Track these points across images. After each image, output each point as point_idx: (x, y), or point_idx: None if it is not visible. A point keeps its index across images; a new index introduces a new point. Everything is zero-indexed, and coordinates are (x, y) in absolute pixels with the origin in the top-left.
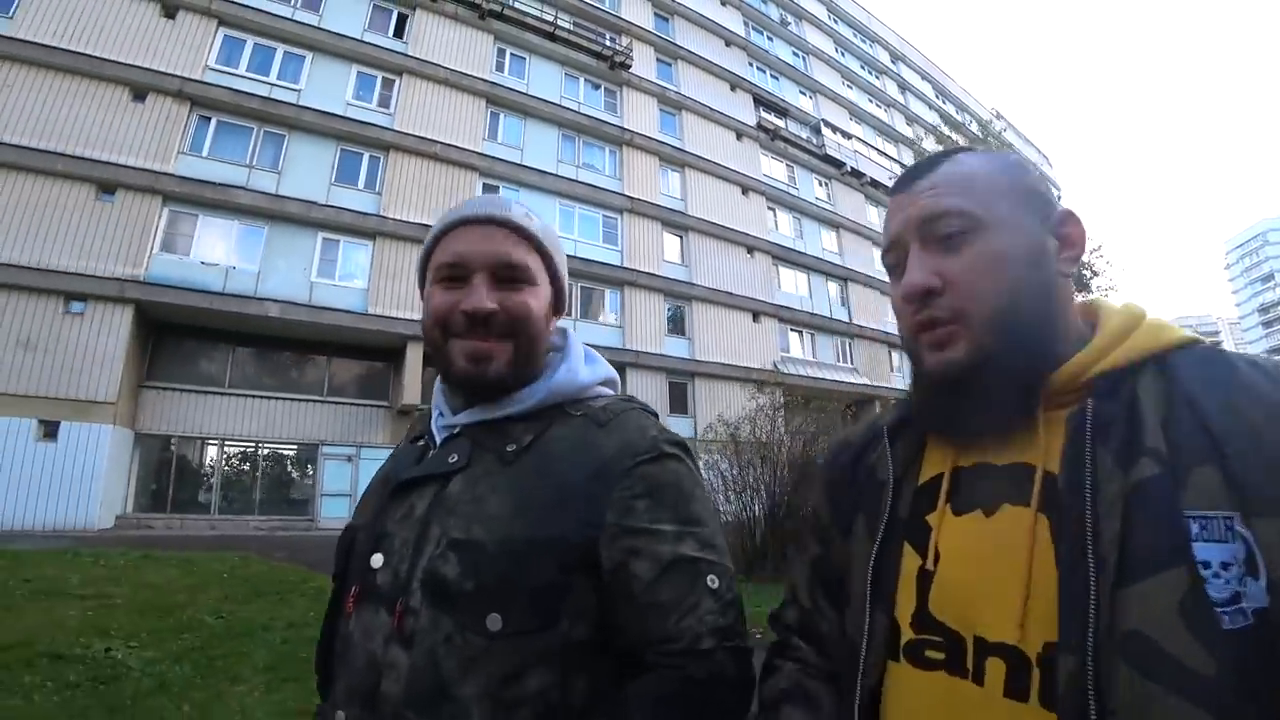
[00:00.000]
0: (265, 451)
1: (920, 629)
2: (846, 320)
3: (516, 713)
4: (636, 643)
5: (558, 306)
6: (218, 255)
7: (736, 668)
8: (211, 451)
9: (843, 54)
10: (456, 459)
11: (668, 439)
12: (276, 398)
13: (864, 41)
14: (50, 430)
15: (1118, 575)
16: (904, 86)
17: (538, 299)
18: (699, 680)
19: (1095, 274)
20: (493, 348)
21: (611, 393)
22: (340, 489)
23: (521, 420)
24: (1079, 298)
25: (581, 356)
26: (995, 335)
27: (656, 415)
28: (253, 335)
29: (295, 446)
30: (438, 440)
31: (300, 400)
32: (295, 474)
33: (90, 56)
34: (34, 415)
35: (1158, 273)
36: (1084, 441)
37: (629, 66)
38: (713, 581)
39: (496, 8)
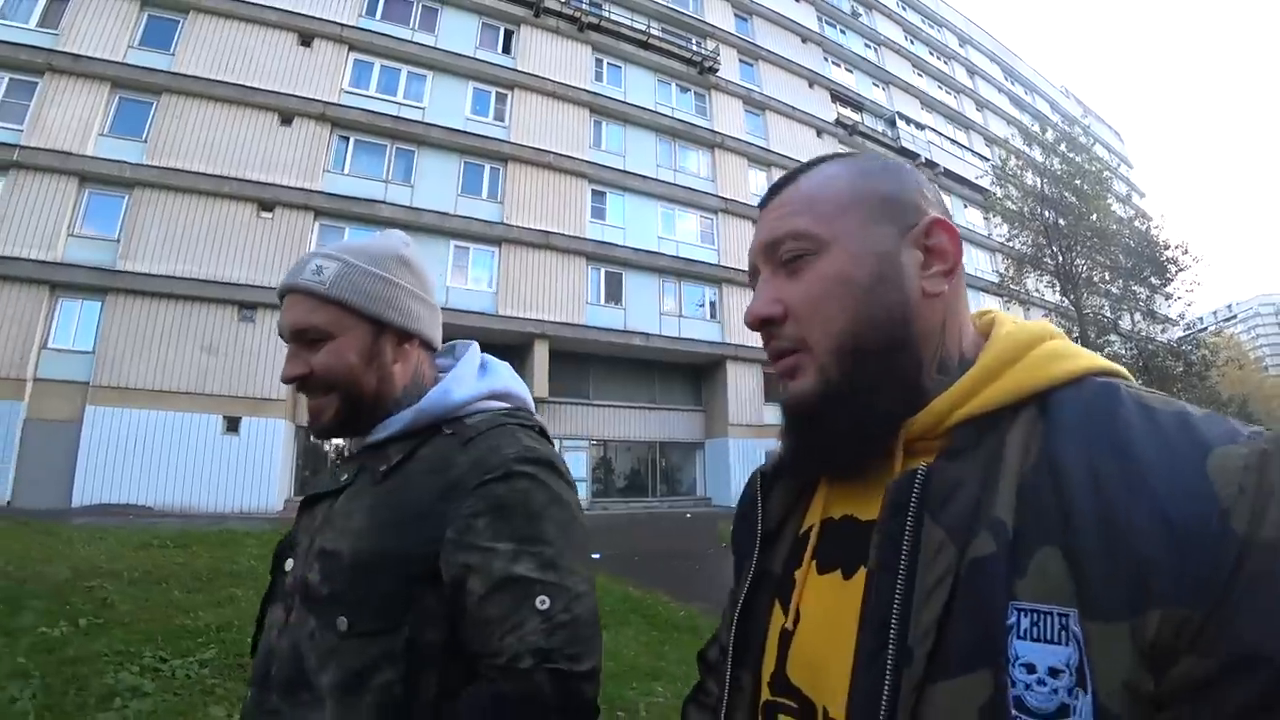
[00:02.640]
0: None
1: (776, 691)
2: None
3: (362, 703)
4: (472, 654)
5: (404, 335)
6: None
7: (556, 691)
8: None
9: (912, 41)
10: (346, 478)
11: (524, 456)
12: None
13: (932, 27)
14: (233, 425)
15: (927, 670)
16: (973, 71)
17: (339, 350)
18: (510, 698)
19: (1181, 269)
20: (320, 404)
21: (498, 405)
22: None
23: (398, 440)
24: (1023, 311)
25: (466, 376)
26: (840, 365)
27: (538, 428)
28: None
29: None
30: (345, 457)
31: None
32: None
33: (243, 86)
34: (219, 412)
35: (1254, 247)
36: (904, 512)
37: (716, 70)
38: (542, 602)
39: (594, 20)
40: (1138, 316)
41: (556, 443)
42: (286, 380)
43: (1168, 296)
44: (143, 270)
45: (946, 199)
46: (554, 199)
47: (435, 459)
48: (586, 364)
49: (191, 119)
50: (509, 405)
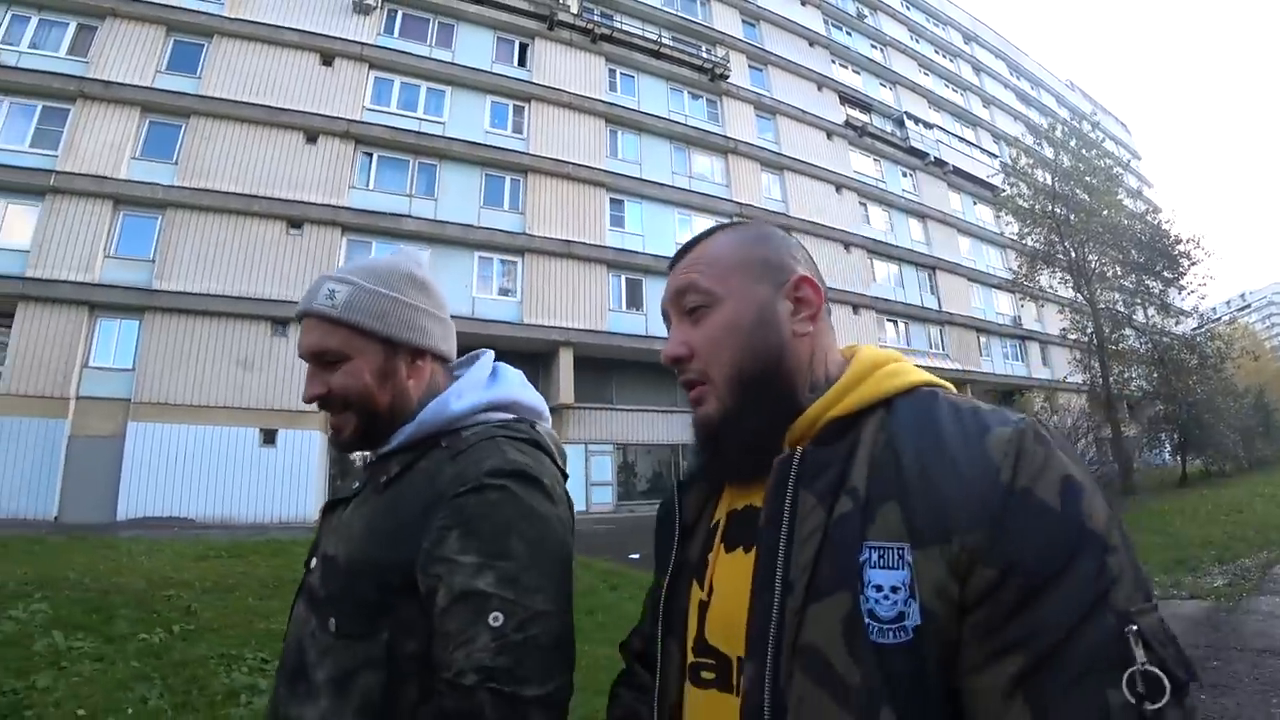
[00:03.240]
0: None
1: (698, 653)
2: (936, 308)
3: (348, 703)
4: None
5: (417, 352)
6: None
7: (496, 712)
8: None
9: (917, 40)
10: (356, 486)
11: (498, 469)
12: None
13: (937, 25)
14: (269, 437)
15: (805, 597)
16: (978, 68)
17: (354, 370)
18: (449, 714)
19: (1194, 263)
20: (340, 421)
21: (499, 416)
22: None
23: (400, 453)
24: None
25: (469, 385)
26: (733, 393)
27: (531, 440)
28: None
29: None
30: (364, 468)
31: None
32: None
33: (268, 107)
34: (256, 425)
35: (1268, 235)
36: (785, 484)
37: (727, 76)
38: (495, 619)
39: (606, 31)
40: (1152, 311)
41: (582, 448)
42: (307, 400)
43: (1181, 290)
44: (178, 289)
45: (956, 196)
46: (574, 208)
47: (428, 472)
48: (609, 370)
49: (220, 140)
50: (511, 416)
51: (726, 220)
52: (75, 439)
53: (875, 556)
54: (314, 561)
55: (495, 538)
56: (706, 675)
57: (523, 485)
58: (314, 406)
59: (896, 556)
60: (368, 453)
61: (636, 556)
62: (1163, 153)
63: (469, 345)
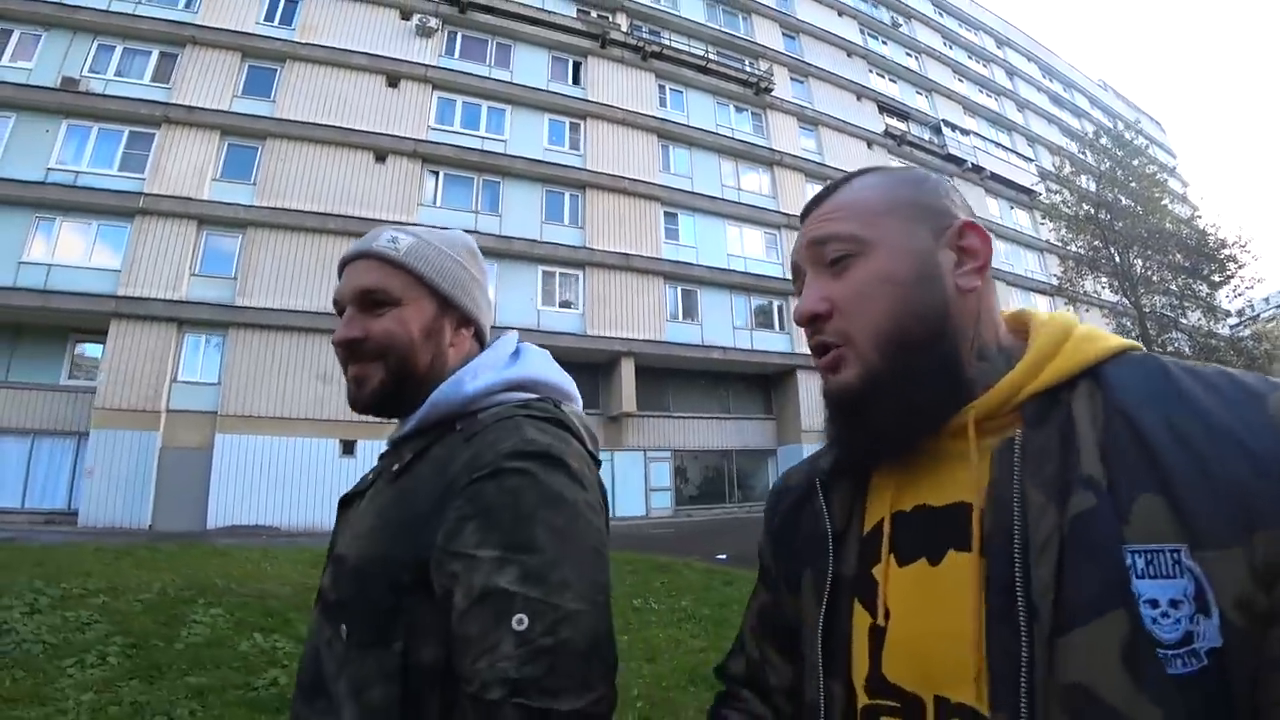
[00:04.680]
0: None
1: (874, 693)
2: None
3: (372, 717)
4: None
5: (463, 320)
6: None
7: None
8: None
9: (951, 47)
10: (369, 479)
11: (519, 450)
12: None
13: (969, 31)
14: (349, 448)
15: (1055, 622)
16: (1011, 72)
17: (401, 317)
18: None
19: (1241, 265)
20: (365, 370)
21: (519, 396)
22: None
23: (413, 438)
24: (1054, 304)
25: (487, 364)
26: (882, 357)
27: (554, 419)
28: None
29: None
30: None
31: None
32: None
33: (339, 128)
34: (336, 436)
35: None
36: (1010, 477)
37: (771, 89)
38: (520, 622)
39: (656, 48)
40: (1198, 315)
41: (641, 454)
42: (339, 342)
43: (1230, 292)
44: (259, 305)
45: (993, 202)
46: (631, 222)
47: (443, 458)
48: (665, 378)
49: (294, 161)
50: (533, 396)
51: (774, 230)
52: (166, 450)
53: (1141, 563)
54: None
55: (517, 528)
56: None
57: (546, 468)
58: (393, 419)
59: (1170, 562)
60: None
61: (724, 557)
62: (1198, 148)
63: None
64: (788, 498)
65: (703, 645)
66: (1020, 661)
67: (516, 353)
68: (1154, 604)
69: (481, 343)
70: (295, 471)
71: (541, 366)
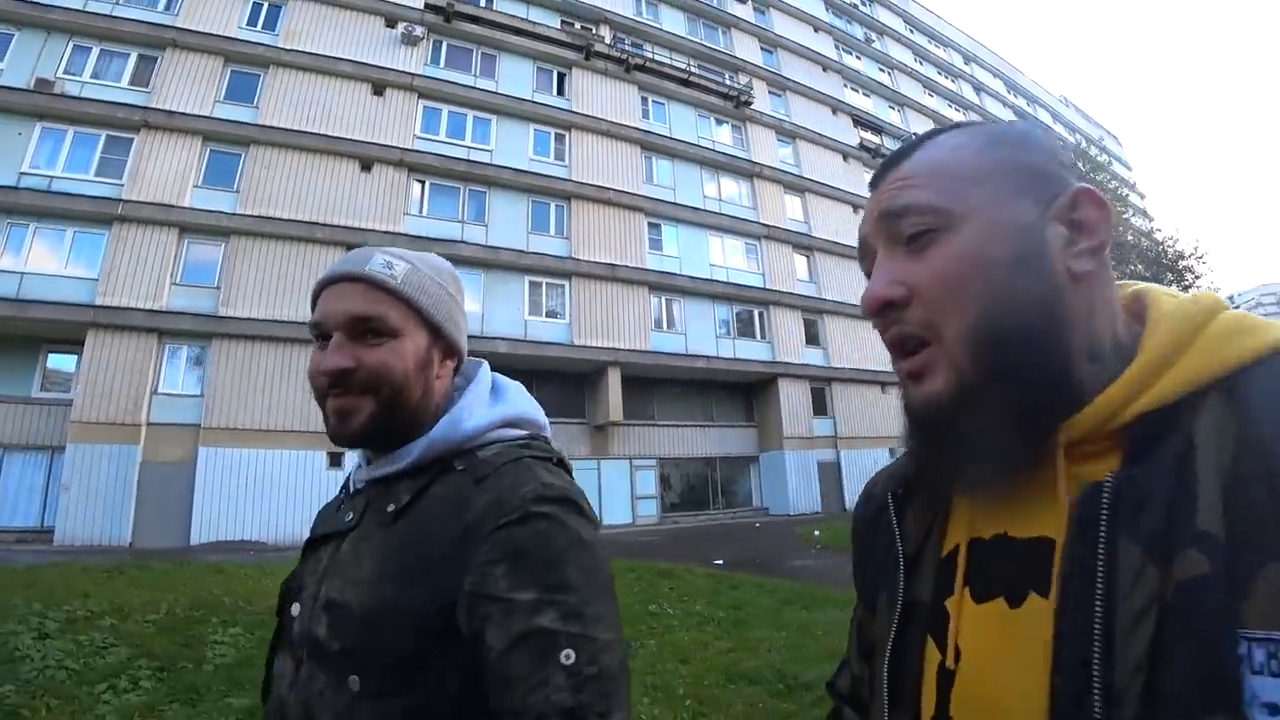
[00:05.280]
0: None
1: None
2: None
3: None
4: (495, 712)
5: (449, 351)
6: None
7: None
8: None
9: (921, 63)
10: (350, 518)
11: (541, 495)
12: None
13: (938, 47)
14: (336, 460)
15: (1142, 714)
16: (979, 88)
17: (399, 350)
18: None
19: (1198, 276)
20: (353, 403)
21: (513, 434)
22: None
23: (406, 477)
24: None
25: (477, 400)
26: (976, 361)
27: (556, 459)
28: None
29: None
30: (350, 492)
31: None
32: None
33: (324, 135)
34: (322, 449)
35: (1252, 237)
36: (1097, 529)
37: (751, 103)
38: (567, 657)
39: (640, 61)
40: None
41: (627, 463)
42: (329, 372)
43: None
44: (243, 315)
45: None
46: (616, 232)
47: (449, 500)
48: (650, 387)
49: (279, 168)
50: (524, 433)
51: (754, 241)
52: (147, 465)
53: (1261, 655)
54: (297, 608)
55: (550, 570)
56: None
57: (568, 510)
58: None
59: None
60: (352, 466)
61: (720, 562)
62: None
63: (525, 366)
64: (871, 506)
65: (729, 646)
66: None
67: (495, 386)
68: (1273, 709)
69: (458, 371)
70: (281, 485)
71: (524, 403)
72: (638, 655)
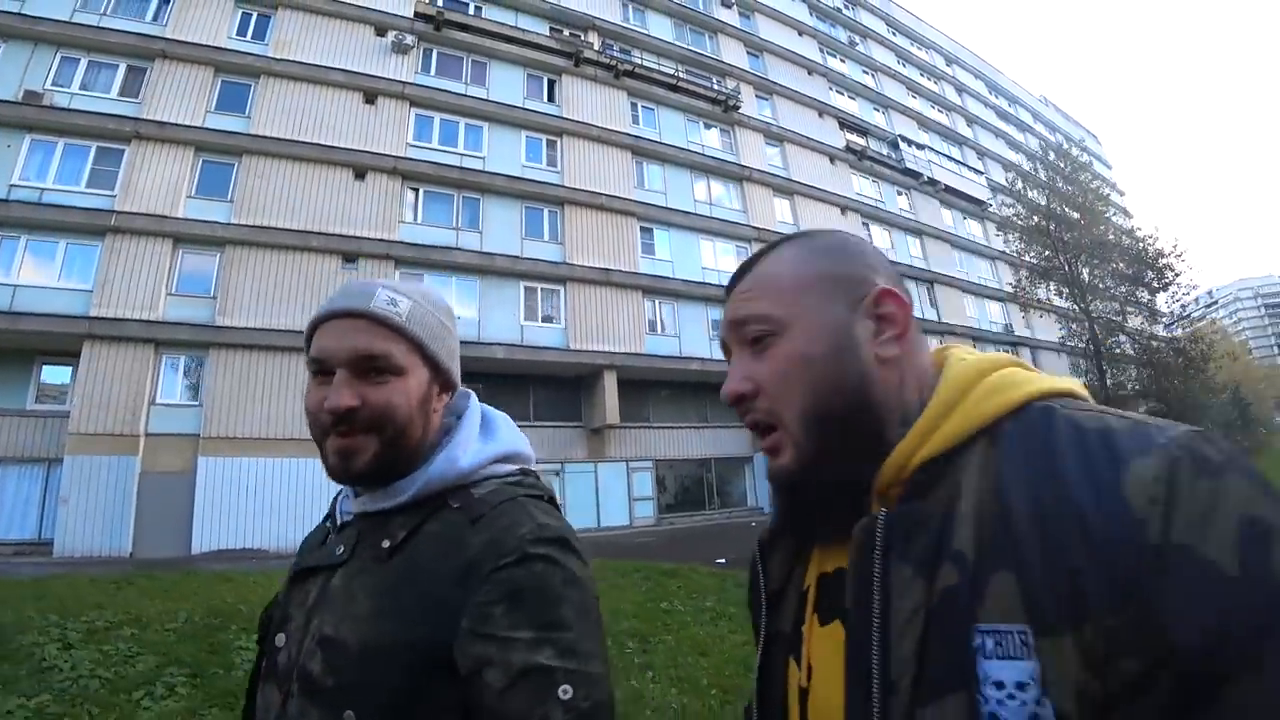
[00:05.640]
0: None
1: None
2: (936, 319)
3: None
4: None
5: (445, 385)
6: None
7: None
8: None
9: (904, 65)
10: (341, 551)
11: (538, 536)
12: None
13: (920, 49)
14: None
15: (912, 698)
16: (961, 89)
17: (404, 388)
18: None
19: (1177, 274)
20: (357, 444)
21: (505, 470)
22: None
23: (401, 513)
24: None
25: (471, 437)
26: (809, 437)
27: (547, 497)
28: (466, 372)
29: None
30: (338, 523)
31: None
32: None
33: (317, 144)
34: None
35: (1229, 232)
36: (871, 554)
37: (739, 107)
38: (565, 692)
39: (627, 67)
40: (1140, 319)
41: (623, 465)
42: (334, 411)
43: (1169, 298)
44: (240, 324)
45: (948, 213)
46: (609, 237)
47: (445, 538)
48: (645, 390)
49: (272, 178)
50: (515, 469)
51: (745, 244)
52: (146, 475)
53: (990, 644)
54: (282, 638)
55: (547, 609)
56: None
57: (563, 551)
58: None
59: (1018, 643)
60: (349, 512)
61: (724, 561)
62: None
63: (522, 371)
64: (758, 548)
65: (744, 639)
66: None
67: (484, 420)
68: (1000, 685)
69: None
70: (282, 493)
71: (513, 437)
72: (657, 650)
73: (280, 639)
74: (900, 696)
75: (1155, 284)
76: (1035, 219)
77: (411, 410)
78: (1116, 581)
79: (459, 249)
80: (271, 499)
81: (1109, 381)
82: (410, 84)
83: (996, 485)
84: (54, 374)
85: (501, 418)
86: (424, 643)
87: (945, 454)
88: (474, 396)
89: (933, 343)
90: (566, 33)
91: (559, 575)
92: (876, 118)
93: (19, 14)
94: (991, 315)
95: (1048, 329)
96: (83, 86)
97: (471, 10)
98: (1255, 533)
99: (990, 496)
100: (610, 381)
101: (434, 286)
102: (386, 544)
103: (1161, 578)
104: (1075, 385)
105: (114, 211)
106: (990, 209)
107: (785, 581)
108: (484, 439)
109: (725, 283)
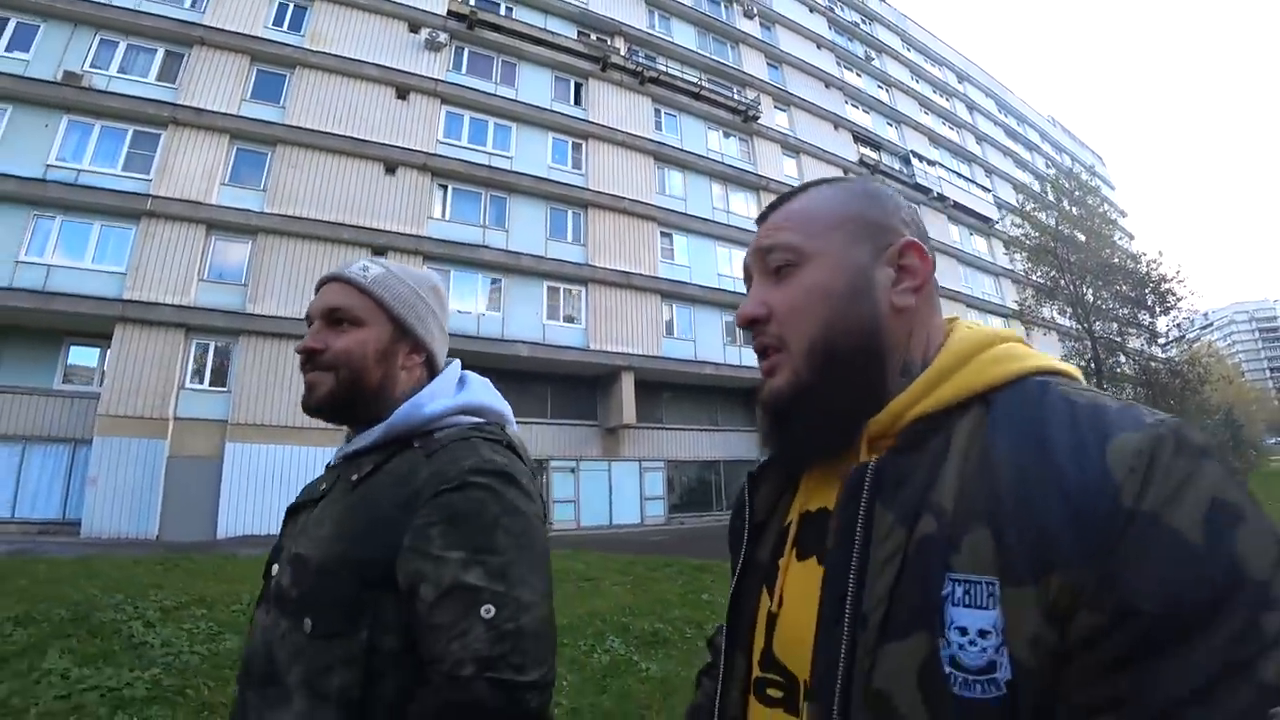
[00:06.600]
0: None
1: (765, 668)
2: None
3: (326, 703)
4: (423, 659)
5: (416, 346)
6: (469, 305)
7: (497, 700)
8: None
9: (917, 80)
10: (324, 487)
11: (479, 468)
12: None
13: (933, 65)
14: None
15: (879, 634)
16: (971, 106)
17: (361, 338)
18: (454, 704)
19: (1180, 298)
20: (318, 378)
21: (470, 420)
22: (567, 496)
23: (372, 452)
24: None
25: (441, 390)
26: (811, 366)
27: (505, 443)
28: (489, 369)
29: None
30: (330, 467)
31: (531, 423)
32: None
33: (350, 137)
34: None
35: (1225, 256)
36: (858, 498)
37: (759, 117)
38: (487, 611)
39: (652, 74)
40: (1140, 341)
41: (636, 465)
42: (301, 350)
43: (1169, 322)
44: (270, 313)
45: (955, 229)
46: (630, 241)
47: (401, 471)
48: (659, 392)
49: (305, 168)
50: (481, 420)
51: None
52: (174, 459)
53: (960, 592)
54: (276, 567)
55: (481, 533)
56: (773, 693)
57: (503, 482)
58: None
59: (985, 594)
60: (337, 456)
61: None
62: (1129, 177)
63: (543, 370)
64: (741, 491)
65: None
66: (838, 663)
67: (462, 380)
68: (963, 631)
69: (432, 369)
70: (306, 480)
71: (486, 394)
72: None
73: (275, 568)
74: (869, 632)
75: (1157, 308)
76: (1043, 238)
77: (366, 356)
78: (1087, 540)
79: (486, 246)
80: (296, 486)
81: None
82: (442, 81)
83: (985, 445)
84: (81, 355)
85: (480, 380)
86: (370, 560)
87: (940, 412)
88: (457, 362)
89: None
90: (594, 37)
91: (497, 504)
92: (889, 132)
93: None
94: None
95: (1050, 347)
96: (121, 69)
97: (503, 10)
98: (1223, 513)
99: (977, 456)
100: (628, 382)
101: (430, 270)
102: (355, 477)
103: (1129, 540)
104: (1073, 370)
105: (149, 195)
106: (997, 226)
107: (769, 515)
108: (456, 393)
109: (739, 289)
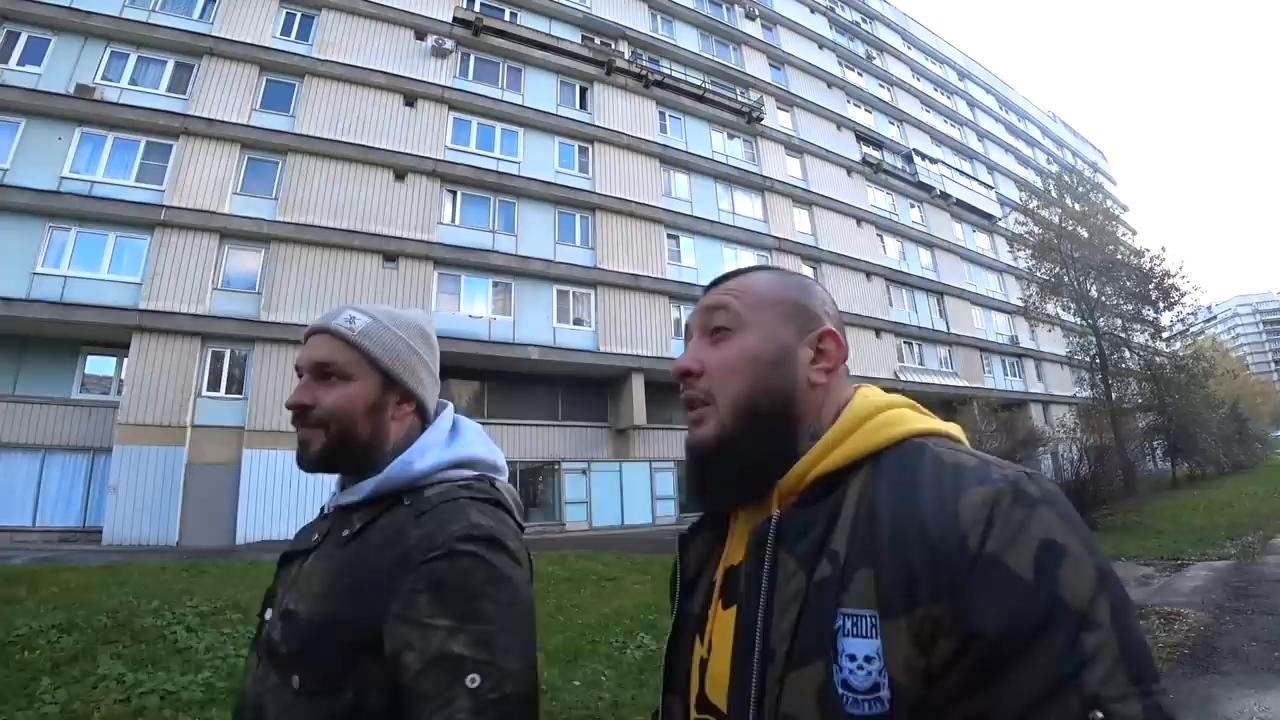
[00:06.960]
0: (521, 469)
1: (700, 710)
2: (945, 330)
3: None
4: None
5: (406, 396)
6: (479, 309)
7: None
8: None
9: (919, 79)
10: (316, 538)
11: (467, 534)
12: (524, 424)
13: (934, 63)
14: None
15: (785, 665)
16: (972, 104)
17: (349, 393)
18: None
19: (1183, 294)
20: (309, 435)
21: (461, 475)
22: (579, 497)
23: (362, 507)
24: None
25: (432, 442)
26: (735, 421)
27: (494, 501)
28: (501, 372)
29: (541, 463)
30: (324, 514)
31: (542, 425)
32: (543, 486)
33: (359, 145)
34: None
35: (1228, 249)
36: (763, 546)
37: (762, 118)
38: (472, 681)
39: (656, 77)
40: (1145, 336)
41: (647, 465)
42: (291, 406)
43: (1173, 317)
44: (284, 320)
45: (958, 226)
46: (638, 244)
47: (391, 530)
48: (668, 393)
49: (315, 176)
50: (473, 473)
51: (765, 253)
52: (193, 466)
53: (849, 624)
54: (270, 613)
55: (467, 602)
56: None
57: (491, 549)
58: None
59: (869, 625)
60: (331, 505)
61: None
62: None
63: (553, 373)
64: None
65: None
66: (750, 693)
67: (455, 427)
68: (853, 658)
69: (424, 416)
70: (325, 487)
71: (477, 444)
72: None
73: (269, 614)
74: (776, 664)
75: (1161, 303)
76: (1047, 234)
77: (356, 412)
78: (941, 579)
79: (495, 251)
80: (314, 492)
81: (1113, 395)
82: (449, 88)
83: (871, 499)
84: (99, 364)
85: (473, 428)
86: (359, 621)
87: (837, 471)
88: (450, 408)
89: (940, 352)
90: (598, 41)
91: (484, 571)
92: (891, 131)
93: (70, 8)
94: (998, 327)
95: (1053, 342)
96: (132, 81)
97: (507, 16)
98: (1050, 553)
99: (865, 508)
100: (638, 384)
101: (419, 312)
102: (346, 533)
103: (973, 578)
104: (954, 429)
105: (163, 206)
106: (1000, 223)
107: (700, 572)
108: (448, 445)
109: None
